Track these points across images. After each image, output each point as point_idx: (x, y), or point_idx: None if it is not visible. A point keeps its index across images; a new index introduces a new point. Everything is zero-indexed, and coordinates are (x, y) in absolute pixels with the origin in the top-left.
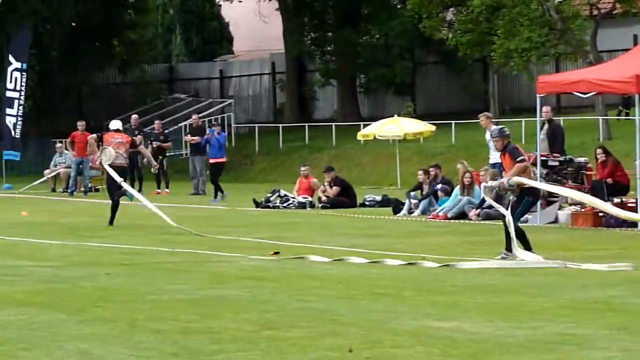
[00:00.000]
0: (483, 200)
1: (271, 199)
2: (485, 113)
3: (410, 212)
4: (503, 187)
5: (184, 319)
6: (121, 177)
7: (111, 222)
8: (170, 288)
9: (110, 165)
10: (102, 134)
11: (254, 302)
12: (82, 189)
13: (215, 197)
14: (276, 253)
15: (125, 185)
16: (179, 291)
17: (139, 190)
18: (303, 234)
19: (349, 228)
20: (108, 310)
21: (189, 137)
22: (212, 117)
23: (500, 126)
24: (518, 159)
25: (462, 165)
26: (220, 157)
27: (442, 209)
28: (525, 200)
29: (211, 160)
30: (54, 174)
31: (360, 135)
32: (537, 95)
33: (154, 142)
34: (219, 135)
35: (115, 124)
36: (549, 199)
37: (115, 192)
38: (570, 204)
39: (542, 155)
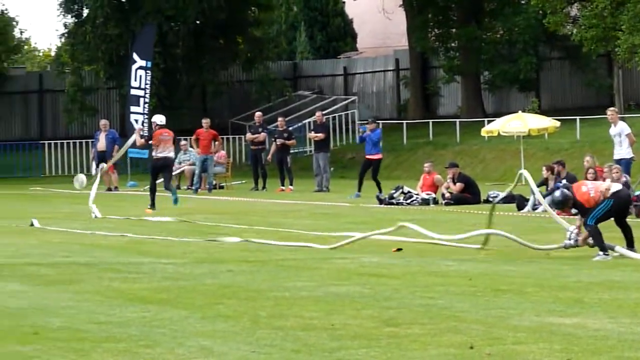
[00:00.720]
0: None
1: (394, 195)
2: (615, 108)
3: (534, 208)
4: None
5: (306, 315)
6: (163, 168)
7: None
8: (292, 285)
9: (157, 158)
10: (152, 133)
11: (376, 298)
12: (207, 186)
13: (380, 190)
14: (399, 250)
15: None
16: (301, 288)
17: (263, 187)
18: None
19: (473, 225)
20: (230, 307)
21: (312, 134)
22: (337, 114)
23: (557, 194)
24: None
25: (590, 159)
26: (375, 153)
27: None
28: (605, 203)
29: (366, 156)
30: (178, 171)
31: (484, 132)
32: None
33: (277, 140)
34: (372, 133)
35: (160, 117)
36: None
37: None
38: None
39: None
